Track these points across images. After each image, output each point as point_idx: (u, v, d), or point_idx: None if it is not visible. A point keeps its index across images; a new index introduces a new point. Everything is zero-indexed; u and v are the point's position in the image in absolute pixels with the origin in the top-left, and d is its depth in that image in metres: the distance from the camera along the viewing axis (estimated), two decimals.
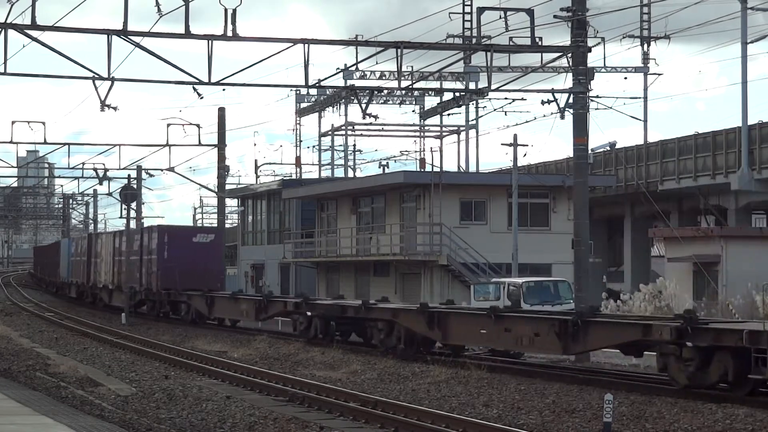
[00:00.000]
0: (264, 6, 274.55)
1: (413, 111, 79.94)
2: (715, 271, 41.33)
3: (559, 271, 49.30)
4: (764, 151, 52.57)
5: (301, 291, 50.82)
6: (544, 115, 57.28)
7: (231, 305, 45.90)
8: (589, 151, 48.46)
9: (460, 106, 72.54)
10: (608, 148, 65.75)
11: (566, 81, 36.09)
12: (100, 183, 74.06)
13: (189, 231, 56.51)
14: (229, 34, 31.02)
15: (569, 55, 35.11)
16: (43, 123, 54.36)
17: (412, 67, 64.05)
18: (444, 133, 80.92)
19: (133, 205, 54.35)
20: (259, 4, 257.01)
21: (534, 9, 34.14)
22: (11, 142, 55.29)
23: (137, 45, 31.68)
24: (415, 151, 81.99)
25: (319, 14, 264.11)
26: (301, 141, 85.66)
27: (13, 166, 67.09)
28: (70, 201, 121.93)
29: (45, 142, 56.65)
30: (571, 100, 35.45)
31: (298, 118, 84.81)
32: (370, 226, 57.33)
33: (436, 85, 71.09)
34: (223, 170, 63.04)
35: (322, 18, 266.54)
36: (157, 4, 30.52)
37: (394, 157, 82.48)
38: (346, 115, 77.52)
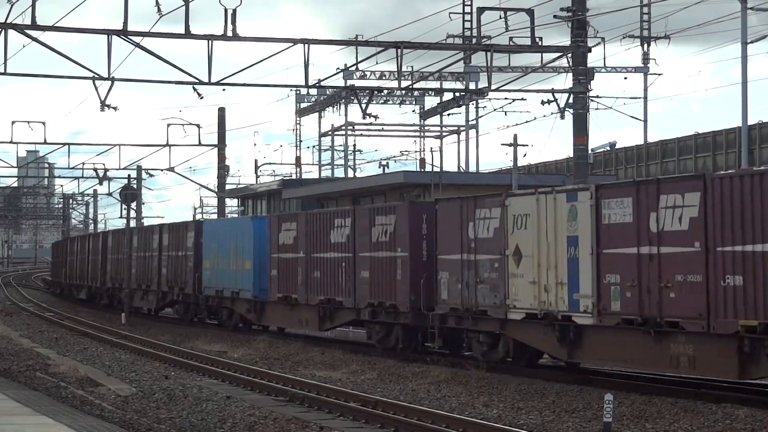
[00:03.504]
0: (259, 7, 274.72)
1: (413, 111, 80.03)
2: None
3: None
4: (764, 151, 52.60)
5: None
6: (544, 115, 57.31)
7: None
8: (589, 151, 48.49)
9: (460, 106, 72.55)
10: (608, 148, 65.77)
11: (566, 81, 36.19)
12: (100, 183, 74.34)
13: None
14: (229, 34, 31.06)
15: (569, 55, 35.15)
16: (43, 123, 54.54)
17: (412, 67, 64.09)
18: (444, 133, 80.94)
19: (133, 205, 54.32)
20: (254, 6, 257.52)
21: (534, 9, 34.22)
22: (11, 142, 55.42)
23: (137, 45, 31.72)
24: (415, 151, 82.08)
25: (313, 15, 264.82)
26: (301, 141, 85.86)
27: (13, 166, 67.20)
28: (70, 201, 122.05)
29: (45, 142, 56.78)
30: (571, 100, 35.49)
31: (298, 118, 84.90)
32: None
33: (436, 85, 71.15)
34: (223, 170, 63.10)
35: (316, 19, 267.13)
36: (157, 4, 30.61)
37: (394, 157, 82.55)
38: (346, 115, 77.59)
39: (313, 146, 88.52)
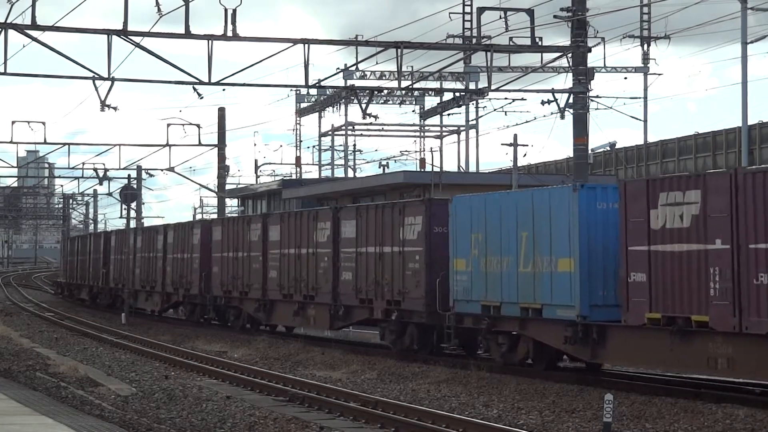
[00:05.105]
0: (257, 7, 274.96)
1: (413, 111, 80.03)
2: None
3: None
4: (764, 151, 52.56)
5: None
6: (544, 116, 57.36)
7: None
8: (589, 151, 48.51)
9: (460, 106, 72.54)
10: (608, 148, 65.77)
11: (566, 81, 36.18)
12: (100, 183, 74.32)
13: None
14: (229, 34, 31.05)
15: (569, 55, 35.13)
16: (43, 123, 54.48)
17: (412, 67, 64.05)
18: (444, 133, 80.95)
19: (133, 205, 54.31)
20: (252, 6, 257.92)
21: (534, 9, 34.21)
22: (11, 142, 55.38)
23: (137, 45, 31.72)
24: (415, 151, 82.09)
25: (311, 16, 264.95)
26: (301, 141, 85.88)
27: (13, 166, 67.15)
28: (70, 201, 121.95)
29: (45, 142, 56.74)
30: (571, 100, 35.48)
31: (298, 118, 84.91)
32: None
33: (436, 85, 71.15)
34: (223, 170, 63.08)
35: (314, 19, 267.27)
36: (157, 4, 30.59)
37: (394, 157, 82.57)
38: (346, 115, 77.61)
39: (313, 146, 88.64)
